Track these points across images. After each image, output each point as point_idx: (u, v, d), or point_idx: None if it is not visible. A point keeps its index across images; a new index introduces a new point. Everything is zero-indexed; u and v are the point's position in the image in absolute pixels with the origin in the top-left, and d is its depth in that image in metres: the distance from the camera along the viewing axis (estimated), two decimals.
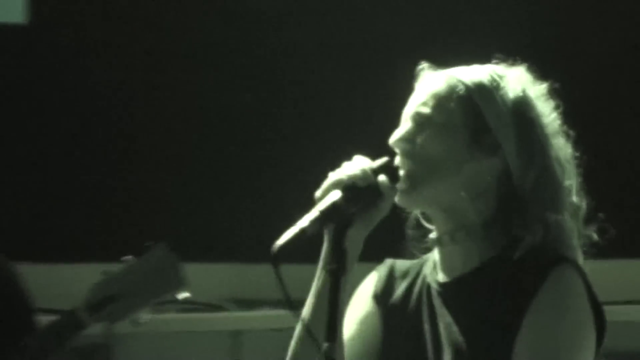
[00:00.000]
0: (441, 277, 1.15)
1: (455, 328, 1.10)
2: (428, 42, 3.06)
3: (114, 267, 1.61)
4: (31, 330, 1.67)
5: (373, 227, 1.13)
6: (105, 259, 1.88)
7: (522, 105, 1.13)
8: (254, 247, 2.96)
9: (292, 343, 1.13)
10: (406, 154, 1.12)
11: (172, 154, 3.24)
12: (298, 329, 1.11)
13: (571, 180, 1.13)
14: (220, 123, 3.23)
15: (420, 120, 1.13)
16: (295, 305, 1.06)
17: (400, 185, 1.11)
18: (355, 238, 1.10)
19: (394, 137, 1.13)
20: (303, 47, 3.22)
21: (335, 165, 1.15)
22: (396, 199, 1.11)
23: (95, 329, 1.93)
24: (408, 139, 1.12)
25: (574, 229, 1.13)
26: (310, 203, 1.10)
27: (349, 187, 1.07)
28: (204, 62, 3.28)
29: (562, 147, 1.14)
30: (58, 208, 3.19)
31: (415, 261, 1.22)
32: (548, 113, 1.14)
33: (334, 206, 1.05)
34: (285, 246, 1.00)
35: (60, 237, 3.17)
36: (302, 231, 1.01)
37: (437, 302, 1.14)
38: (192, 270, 2.84)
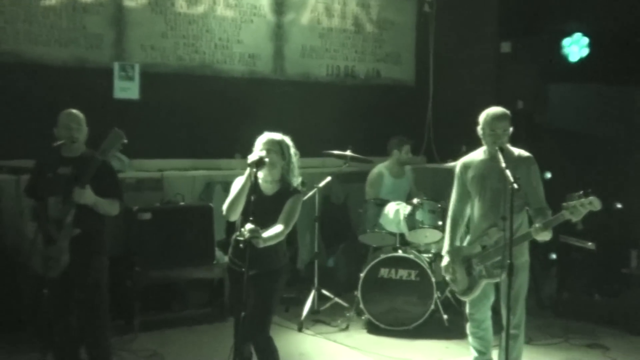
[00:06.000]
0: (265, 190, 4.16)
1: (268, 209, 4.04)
2: None
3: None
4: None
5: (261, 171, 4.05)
6: None
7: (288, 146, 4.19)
8: None
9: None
10: (272, 162, 4.09)
11: None
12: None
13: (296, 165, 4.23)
14: None
15: (274, 152, 4.08)
16: None
17: (268, 168, 4.07)
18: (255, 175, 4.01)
19: (267, 154, 4.05)
20: None
21: None
22: (263, 174, 4.08)
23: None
24: (272, 156, 4.06)
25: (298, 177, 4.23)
26: None
27: (260, 157, 3.97)
28: None
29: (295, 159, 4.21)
30: None
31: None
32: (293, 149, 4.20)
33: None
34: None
35: None
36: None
37: (266, 202, 4.07)
38: None
